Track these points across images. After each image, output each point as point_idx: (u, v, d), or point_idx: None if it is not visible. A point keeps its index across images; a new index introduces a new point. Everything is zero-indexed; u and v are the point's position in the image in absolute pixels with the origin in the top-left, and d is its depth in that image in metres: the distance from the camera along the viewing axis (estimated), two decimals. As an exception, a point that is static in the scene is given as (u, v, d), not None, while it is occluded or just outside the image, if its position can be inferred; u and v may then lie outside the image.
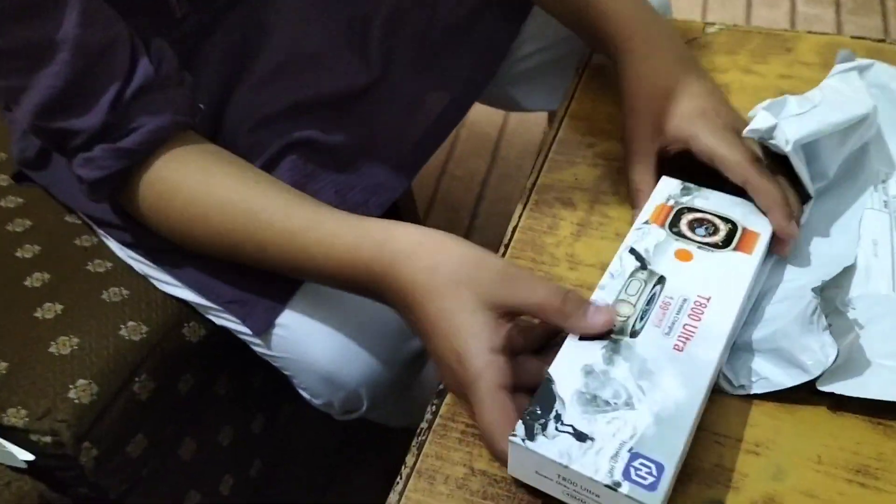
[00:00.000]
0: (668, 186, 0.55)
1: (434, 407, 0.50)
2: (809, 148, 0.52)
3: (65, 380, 0.64)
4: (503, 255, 0.58)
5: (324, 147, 0.65)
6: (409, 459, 0.48)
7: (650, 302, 0.47)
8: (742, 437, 0.46)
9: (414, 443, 0.48)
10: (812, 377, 0.46)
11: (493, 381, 0.43)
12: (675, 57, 0.58)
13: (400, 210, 1.10)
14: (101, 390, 0.65)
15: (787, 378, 0.47)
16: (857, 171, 0.55)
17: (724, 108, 0.56)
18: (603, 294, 0.48)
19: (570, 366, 0.44)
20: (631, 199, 0.57)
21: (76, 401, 0.63)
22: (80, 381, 0.64)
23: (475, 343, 0.44)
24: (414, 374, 0.73)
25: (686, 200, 0.53)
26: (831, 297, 0.48)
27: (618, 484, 0.40)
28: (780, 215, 0.50)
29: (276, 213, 0.53)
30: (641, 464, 0.41)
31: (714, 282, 0.48)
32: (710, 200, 0.53)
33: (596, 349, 0.45)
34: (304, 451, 0.98)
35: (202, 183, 0.55)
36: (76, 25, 0.51)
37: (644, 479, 0.40)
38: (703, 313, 0.47)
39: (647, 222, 0.52)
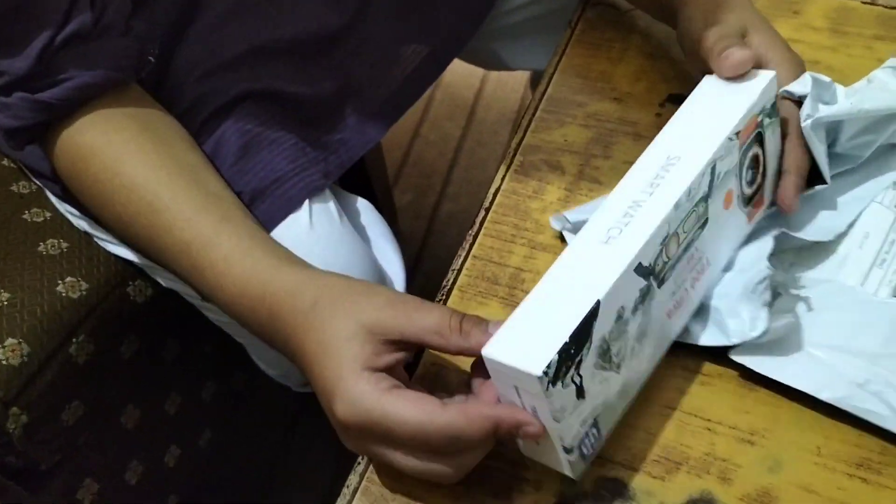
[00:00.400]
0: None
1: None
2: (840, 135, 0.49)
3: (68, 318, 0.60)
4: (483, 219, 0.53)
5: (286, 98, 0.58)
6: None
7: (686, 248, 0.43)
8: (736, 425, 0.43)
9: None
10: (729, 343, 0.44)
11: (385, 387, 0.38)
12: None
13: (369, 174, 1.05)
14: (33, 351, 0.59)
15: (705, 336, 0.45)
16: (880, 162, 0.52)
17: (790, 58, 0.51)
18: (660, 211, 0.40)
19: (613, 300, 0.38)
20: (705, 59, 0.48)
21: (4, 362, 0.58)
22: (10, 341, 0.59)
23: (350, 366, 0.38)
24: None
25: (768, 123, 0.46)
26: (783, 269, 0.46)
27: (569, 450, 0.38)
28: (797, 169, 0.48)
29: (177, 218, 0.46)
30: (592, 433, 0.39)
31: (716, 244, 0.45)
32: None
33: (634, 291, 0.40)
34: (257, 423, 0.93)
35: (116, 159, 0.48)
36: None
37: (586, 449, 0.40)
38: (698, 281, 0.43)
39: (737, 134, 0.44)
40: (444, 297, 0.49)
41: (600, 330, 0.38)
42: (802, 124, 0.47)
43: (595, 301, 0.37)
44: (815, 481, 0.40)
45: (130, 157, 0.48)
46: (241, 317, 0.45)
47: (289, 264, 0.44)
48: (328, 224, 0.56)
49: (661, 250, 0.41)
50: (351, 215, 0.61)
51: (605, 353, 0.39)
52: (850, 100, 0.48)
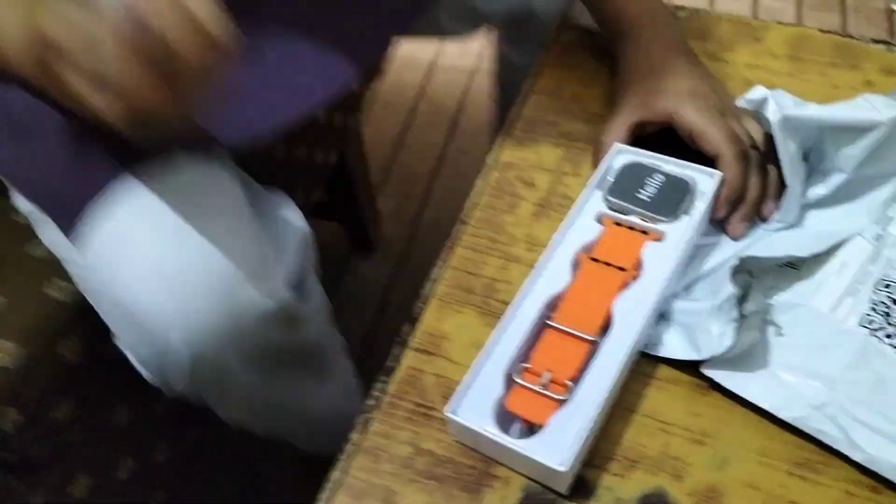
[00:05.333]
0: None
1: (382, 384, 0.48)
2: (820, 146, 0.54)
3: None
4: (460, 231, 0.56)
5: None
6: (355, 436, 0.46)
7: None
8: (688, 427, 0.46)
9: (359, 419, 0.47)
10: (700, 358, 0.47)
11: None
12: (671, 42, 0.60)
13: (351, 180, 1.08)
14: (25, 353, 0.61)
15: (678, 351, 0.48)
16: (871, 194, 0.55)
17: (712, 91, 0.57)
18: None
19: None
20: (593, 157, 0.58)
21: (-1, 363, 0.60)
22: (2, 343, 0.61)
23: None
24: (270, 362, 0.60)
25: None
26: (749, 283, 0.49)
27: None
28: (726, 197, 0.53)
29: None
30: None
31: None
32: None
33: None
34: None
35: None
36: None
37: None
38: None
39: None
40: (422, 304, 0.52)
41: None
42: (773, 119, 0.51)
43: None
44: (759, 479, 0.44)
45: None
46: None
47: None
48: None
49: None
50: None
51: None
52: (812, 106, 0.53)
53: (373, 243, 1.22)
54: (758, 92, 0.53)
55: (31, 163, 0.56)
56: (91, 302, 0.58)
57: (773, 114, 0.51)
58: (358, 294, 1.19)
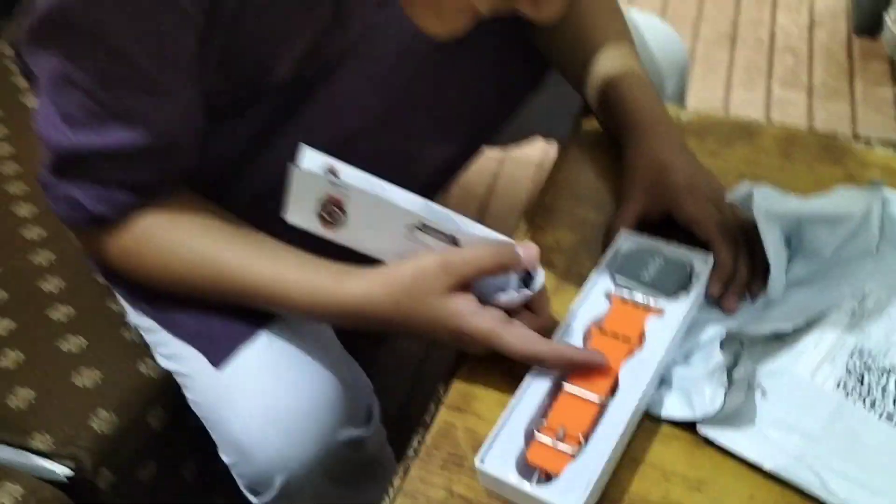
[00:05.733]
0: None
1: (420, 436, 0.56)
2: (800, 233, 0.62)
3: (87, 410, 0.71)
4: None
5: None
6: (396, 481, 0.54)
7: None
8: (687, 475, 0.53)
9: (400, 466, 0.55)
10: (695, 419, 0.54)
11: (498, 324, 0.55)
12: (671, 140, 0.69)
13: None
14: (120, 421, 0.71)
15: (677, 412, 0.55)
16: (845, 273, 0.62)
17: (707, 185, 0.66)
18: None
19: None
20: (604, 241, 0.67)
21: (97, 430, 0.70)
22: (101, 412, 0.71)
23: (462, 315, 0.55)
24: (346, 480, 0.71)
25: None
26: (740, 353, 0.57)
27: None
28: (718, 277, 0.61)
29: (243, 268, 0.61)
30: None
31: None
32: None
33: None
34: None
35: (179, 235, 0.62)
36: (172, 120, 0.60)
37: None
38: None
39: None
40: (456, 367, 0.61)
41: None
42: (757, 213, 0.59)
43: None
44: (750, 522, 0.51)
45: (193, 231, 0.62)
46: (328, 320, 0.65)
47: (348, 277, 0.59)
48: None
49: None
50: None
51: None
52: (794, 199, 0.61)
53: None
54: (743, 187, 0.61)
55: (191, 312, 0.67)
56: (198, 415, 0.69)
57: (756, 207, 0.59)
58: (395, 366, 1.27)
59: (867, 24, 1.61)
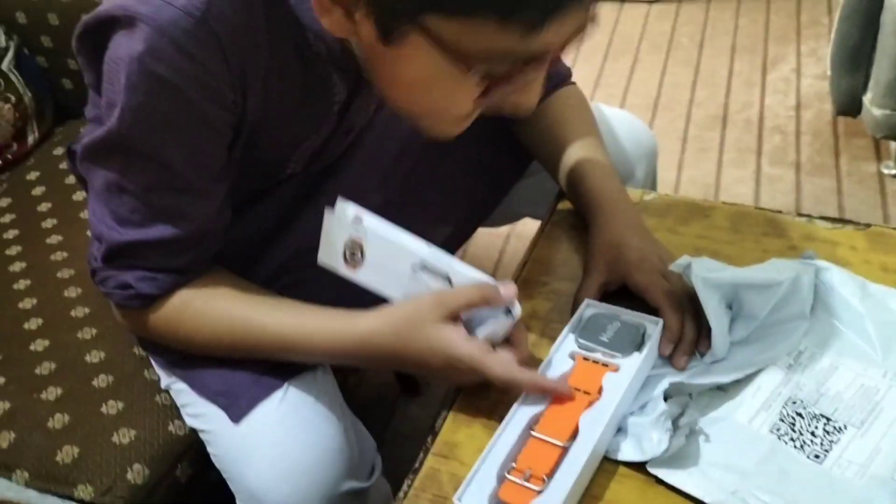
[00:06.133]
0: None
1: (409, 480, 0.65)
2: (738, 298, 0.71)
3: (124, 464, 0.81)
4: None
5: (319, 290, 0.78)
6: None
7: None
8: (640, 510, 0.61)
9: (391, 504, 0.64)
10: (644, 459, 0.62)
11: (483, 351, 0.65)
12: (629, 221, 0.80)
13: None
14: (152, 474, 0.81)
15: (629, 454, 0.63)
16: (783, 332, 0.70)
17: (658, 259, 0.75)
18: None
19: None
20: (572, 309, 0.76)
21: (132, 482, 0.80)
22: (136, 466, 0.81)
23: (453, 341, 0.65)
24: None
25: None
26: (687, 402, 0.65)
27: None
28: (667, 339, 0.70)
29: (269, 324, 0.72)
30: None
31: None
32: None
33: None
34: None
35: (210, 303, 0.73)
36: (208, 213, 0.72)
37: None
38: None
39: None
40: (441, 422, 0.70)
41: None
42: (694, 281, 0.68)
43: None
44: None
45: (223, 297, 0.73)
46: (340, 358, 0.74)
47: (349, 321, 0.70)
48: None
49: None
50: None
51: None
52: (729, 269, 0.71)
53: (419, 386, 1.40)
54: (683, 259, 0.71)
55: (216, 374, 0.78)
56: (219, 468, 0.78)
57: (694, 276, 0.69)
58: (407, 431, 1.35)
59: (848, 106, 1.72)
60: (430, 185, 0.93)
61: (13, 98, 1.30)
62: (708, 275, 0.69)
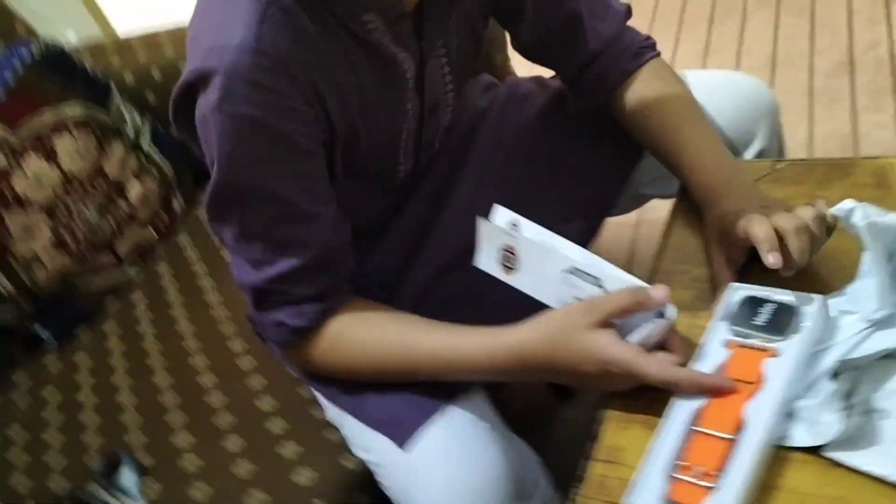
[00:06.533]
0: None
1: (577, 489, 0.66)
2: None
3: (303, 500, 0.85)
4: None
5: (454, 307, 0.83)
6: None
7: None
8: (825, 495, 0.58)
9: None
10: (816, 444, 0.59)
11: (637, 353, 0.64)
12: (741, 195, 0.77)
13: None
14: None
15: (800, 439, 0.60)
16: None
17: (757, 203, 0.72)
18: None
19: None
20: (712, 290, 0.75)
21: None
22: (316, 501, 0.86)
23: (607, 345, 0.65)
24: None
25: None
26: (857, 378, 0.61)
27: None
28: (768, 247, 0.68)
29: (424, 345, 0.75)
30: None
31: None
32: None
33: None
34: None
35: (364, 331, 0.77)
36: (324, 235, 0.75)
37: None
38: None
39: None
40: (599, 425, 0.70)
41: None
42: (860, 224, 0.63)
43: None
44: (891, 531, 0.55)
45: (375, 324, 0.77)
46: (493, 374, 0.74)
47: (502, 334, 0.71)
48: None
49: None
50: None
51: None
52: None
53: (572, 390, 1.40)
54: (846, 203, 0.65)
55: (377, 401, 0.81)
56: (391, 497, 0.80)
57: (859, 219, 0.64)
58: (567, 436, 1.35)
59: None
60: (546, 183, 0.94)
61: (157, 173, 1.42)
62: (876, 219, 0.64)
